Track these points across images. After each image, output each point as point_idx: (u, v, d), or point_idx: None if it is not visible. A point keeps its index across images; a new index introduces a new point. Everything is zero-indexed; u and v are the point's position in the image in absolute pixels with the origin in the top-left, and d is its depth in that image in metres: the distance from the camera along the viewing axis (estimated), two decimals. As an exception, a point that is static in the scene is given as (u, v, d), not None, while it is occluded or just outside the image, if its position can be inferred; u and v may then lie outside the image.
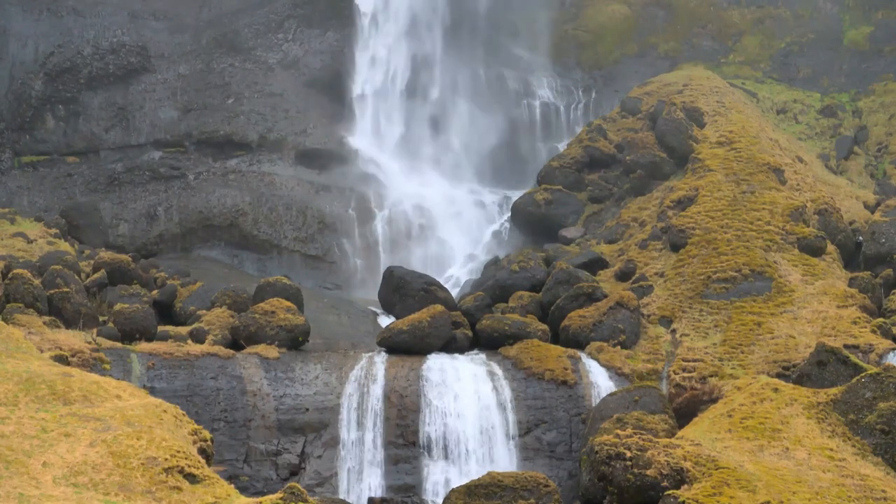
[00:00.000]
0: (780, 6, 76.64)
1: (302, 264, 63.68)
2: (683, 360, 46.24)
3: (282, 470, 42.87)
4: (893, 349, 45.19)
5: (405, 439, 43.57)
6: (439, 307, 47.64)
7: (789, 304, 48.50)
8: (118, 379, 38.39)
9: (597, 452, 36.55)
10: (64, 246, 56.29)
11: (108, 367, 42.08)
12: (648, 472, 35.60)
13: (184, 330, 46.57)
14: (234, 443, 42.75)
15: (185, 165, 65.62)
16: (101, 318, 46.56)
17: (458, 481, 41.07)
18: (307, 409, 43.85)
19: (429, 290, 50.09)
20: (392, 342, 46.53)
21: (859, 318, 47.33)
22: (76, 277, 48.33)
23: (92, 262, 52.04)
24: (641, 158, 60.21)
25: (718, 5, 77.27)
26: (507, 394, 44.53)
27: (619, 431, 37.91)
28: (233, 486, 32.14)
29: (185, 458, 31.18)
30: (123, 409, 33.52)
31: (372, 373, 44.70)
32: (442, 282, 53.17)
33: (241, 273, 61.29)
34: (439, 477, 42.96)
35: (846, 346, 44.61)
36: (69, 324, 45.24)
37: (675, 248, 52.78)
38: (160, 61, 67.95)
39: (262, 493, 40.44)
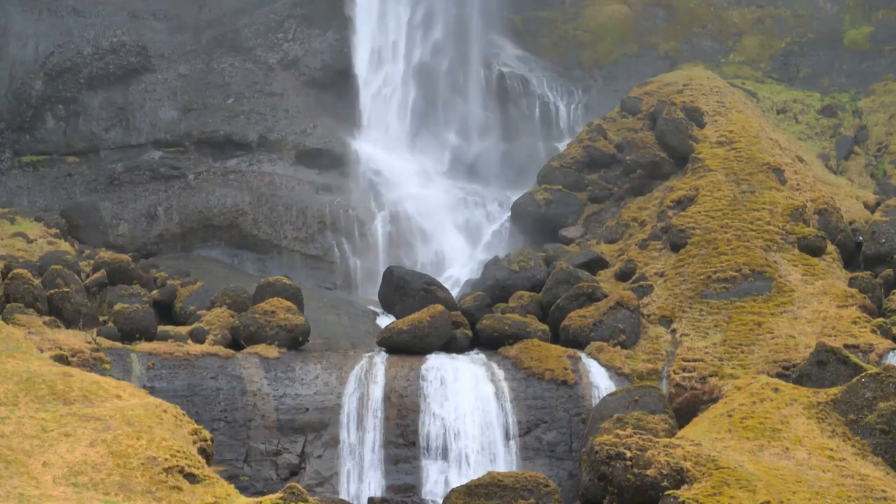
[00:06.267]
0: (780, 6, 76.66)
1: (302, 264, 63.71)
2: (683, 360, 46.24)
3: (282, 470, 42.87)
4: (893, 349, 45.19)
5: (405, 439, 43.58)
6: (439, 307, 47.63)
7: (789, 304, 48.50)
8: (118, 379, 38.37)
9: (597, 452, 36.56)
10: (64, 246, 56.29)
11: (108, 367, 42.08)
12: (648, 472, 35.60)
13: (184, 330, 46.56)
14: (234, 443, 42.76)
15: (185, 165, 65.64)
16: (101, 318, 46.56)
17: (457, 481, 41.06)
18: (307, 409, 43.86)
19: (429, 290, 50.06)
20: (392, 342, 46.53)
21: (859, 318, 47.33)
22: (76, 277, 48.33)
23: (92, 262, 52.04)
24: (641, 158, 60.18)
25: (718, 5, 77.28)
26: (506, 394, 44.54)
27: (619, 431, 37.91)
28: (233, 486, 32.12)
29: (186, 458, 31.18)
30: (123, 408, 33.51)
31: (372, 373, 44.71)
32: (442, 282, 53.14)
33: (241, 273, 61.30)
34: (439, 477, 42.97)
35: (846, 346, 44.60)
36: (69, 324, 45.24)
37: (675, 248, 52.77)
38: (160, 61, 67.96)
39: (262, 493, 40.43)
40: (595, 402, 44.27)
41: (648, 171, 59.87)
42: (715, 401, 42.98)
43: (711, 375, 45.18)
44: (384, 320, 53.16)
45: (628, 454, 36.01)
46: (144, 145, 66.47)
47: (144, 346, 44.15)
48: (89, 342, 43.05)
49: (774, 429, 38.63)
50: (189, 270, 56.45)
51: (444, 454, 43.32)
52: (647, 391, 43.31)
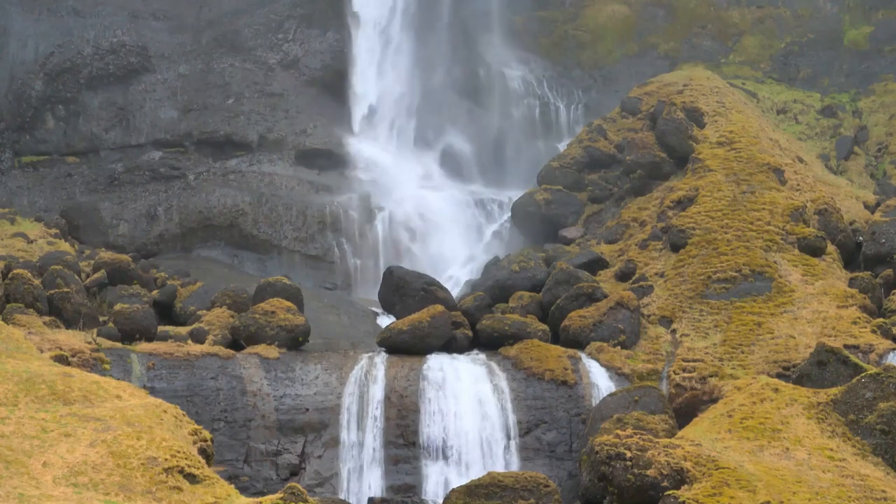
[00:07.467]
0: (780, 6, 76.67)
1: (302, 264, 63.73)
2: (683, 360, 46.24)
3: (282, 470, 42.87)
4: (893, 349, 45.18)
5: (405, 439, 43.57)
6: (439, 307, 47.62)
7: (789, 304, 48.50)
8: (118, 379, 38.37)
9: (597, 452, 36.56)
10: (64, 246, 56.30)
11: (108, 367, 42.08)
12: (648, 472, 35.61)
13: (184, 330, 46.57)
14: (234, 443, 42.75)
15: (185, 165, 65.66)
16: (101, 318, 46.56)
17: (457, 481, 41.07)
18: (307, 410, 43.86)
19: (429, 290, 50.07)
20: (392, 342, 46.52)
21: (859, 318, 47.32)
22: (76, 277, 48.34)
23: (92, 262, 52.05)
24: (641, 158, 60.17)
25: (718, 5, 77.30)
26: (507, 394, 44.53)
27: (619, 431, 37.91)
28: (233, 486, 32.11)
29: (186, 459, 31.18)
30: (123, 409, 33.50)
31: (372, 373, 44.70)
32: (442, 282, 53.15)
33: (241, 273, 61.33)
34: (439, 477, 42.96)
35: (846, 346, 44.60)
36: (69, 324, 45.24)
37: (675, 248, 52.77)
38: (160, 61, 67.99)
39: (262, 493, 40.44)
40: (595, 402, 44.26)
41: (648, 171, 59.87)
42: (715, 401, 42.98)
43: (711, 376, 45.18)
44: (384, 320, 53.16)
45: (628, 454, 36.01)
46: (144, 145, 66.50)
47: (144, 346, 44.15)
48: (89, 342, 43.04)
49: (774, 429, 38.63)
50: (189, 270, 56.45)
51: (444, 454, 43.32)
52: (647, 391, 43.31)
